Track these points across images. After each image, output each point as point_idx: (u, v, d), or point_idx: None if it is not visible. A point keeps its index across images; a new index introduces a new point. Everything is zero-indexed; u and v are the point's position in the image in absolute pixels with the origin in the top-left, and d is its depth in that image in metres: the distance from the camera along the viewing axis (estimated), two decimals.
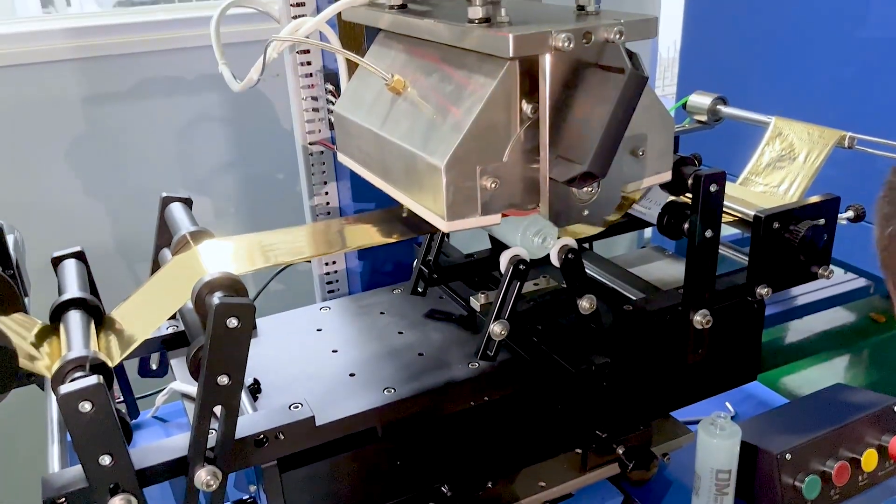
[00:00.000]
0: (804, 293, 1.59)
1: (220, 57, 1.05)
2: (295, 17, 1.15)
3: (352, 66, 0.96)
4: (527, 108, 0.71)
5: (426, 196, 0.74)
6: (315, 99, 1.20)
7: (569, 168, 0.68)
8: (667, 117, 0.78)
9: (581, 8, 0.74)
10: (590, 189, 0.74)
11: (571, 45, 0.66)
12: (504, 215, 0.74)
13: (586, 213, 0.75)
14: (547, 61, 0.67)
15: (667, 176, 0.81)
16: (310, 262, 1.34)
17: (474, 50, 0.72)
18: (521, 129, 0.71)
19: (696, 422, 0.96)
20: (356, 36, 1.03)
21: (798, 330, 1.79)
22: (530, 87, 0.70)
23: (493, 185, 0.71)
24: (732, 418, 1.12)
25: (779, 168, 1.03)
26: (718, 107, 1.15)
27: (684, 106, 1.19)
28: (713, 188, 0.84)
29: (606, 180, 0.73)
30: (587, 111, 0.68)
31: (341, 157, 0.95)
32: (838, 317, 1.82)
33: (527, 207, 0.75)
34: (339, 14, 0.94)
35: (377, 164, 0.85)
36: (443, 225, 0.72)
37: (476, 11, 0.72)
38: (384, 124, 0.82)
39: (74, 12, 3.05)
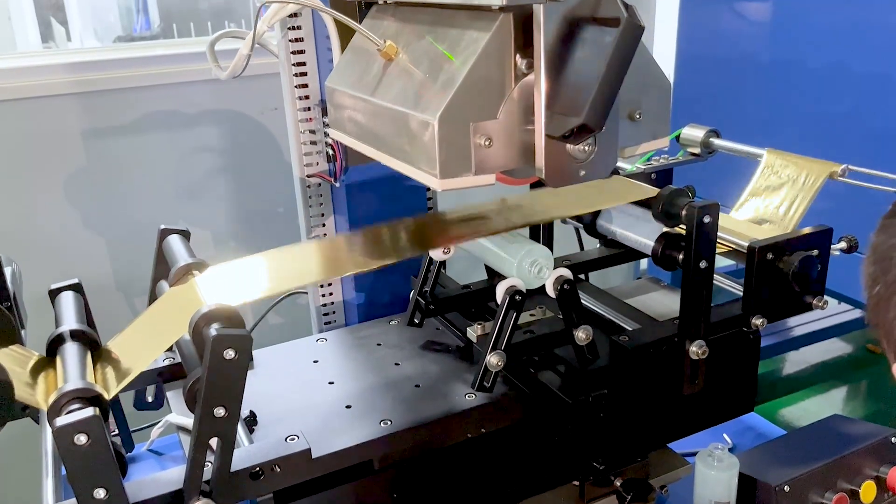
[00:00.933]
0: (800, 324, 1.59)
1: (213, 61, 1.03)
2: (294, 53, 1.16)
3: (344, 42, 0.95)
4: (521, 63, 0.70)
5: (419, 156, 0.73)
6: (313, 132, 1.21)
7: (564, 122, 0.67)
8: (663, 80, 0.77)
9: None
10: (586, 147, 0.72)
11: None
12: (499, 177, 0.73)
13: (583, 173, 0.73)
14: (541, 11, 0.66)
15: (664, 142, 0.79)
16: (306, 293, 1.34)
17: (466, 4, 0.71)
18: (516, 85, 0.70)
19: (694, 453, 0.96)
20: (348, 14, 1.03)
21: (795, 361, 1.79)
22: (524, 42, 0.69)
23: (486, 143, 0.70)
24: (730, 450, 1.11)
25: (771, 199, 1.04)
26: (711, 139, 1.17)
27: (678, 138, 1.21)
28: (707, 219, 0.85)
29: (603, 142, 0.72)
30: (583, 64, 0.66)
31: (333, 133, 0.93)
32: (835, 348, 1.82)
33: (522, 173, 0.73)
34: None
35: (369, 132, 0.83)
36: (436, 183, 0.70)
37: None
38: (376, 90, 0.80)
39: (75, 47, 3.08)
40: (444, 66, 0.72)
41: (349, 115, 0.87)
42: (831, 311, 1.66)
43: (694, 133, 1.18)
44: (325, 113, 1.19)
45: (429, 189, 1.30)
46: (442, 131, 0.68)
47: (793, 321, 1.59)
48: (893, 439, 1.02)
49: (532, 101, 0.70)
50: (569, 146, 0.71)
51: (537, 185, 1.11)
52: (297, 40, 1.16)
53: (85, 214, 1.69)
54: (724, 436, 1.23)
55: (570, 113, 0.66)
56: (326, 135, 1.19)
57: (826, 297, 0.96)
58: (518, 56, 0.70)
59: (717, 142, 1.16)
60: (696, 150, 1.18)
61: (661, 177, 1.11)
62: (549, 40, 0.67)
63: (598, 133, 0.69)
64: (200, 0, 3.09)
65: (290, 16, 1.14)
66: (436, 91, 0.71)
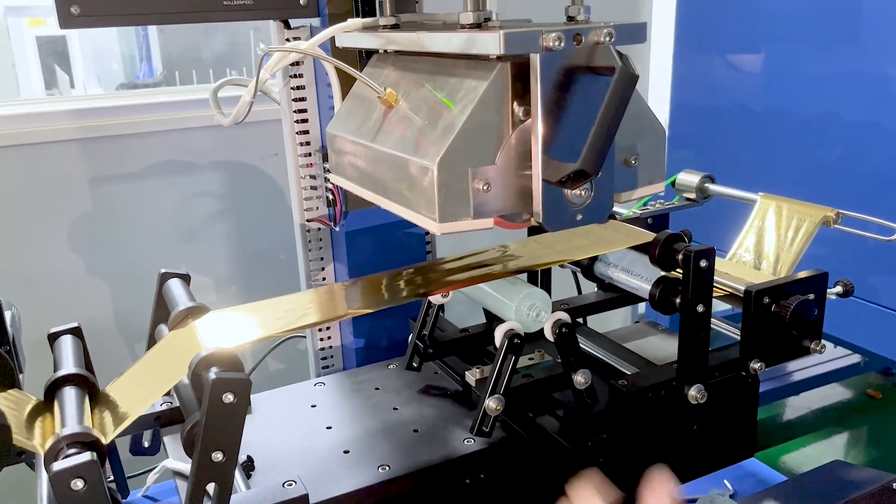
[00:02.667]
0: (799, 369, 1.59)
1: (216, 107, 1.05)
2: (295, 100, 1.19)
3: (345, 90, 0.97)
4: (518, 110, 0.71)
5: (419, 200, 0.74)
6: (313, 177, 1.22)
7: (561, 167, 0.68)
8: (658, 127, 0.78)
9: (571, 18, 0.76)
10: (582, 192, 0.73)
11: (562, 45, 0.67)
12: (497, 221, 0.74)
13: (579, 217, 0.74)
14: (538, 61, 0.68)
15: (659, 187, 0.81)
16: (305, 336, 1.34)
17: (465, 53, 0.73)
18: (514, 132, 0.71)
19: (695, 500, 0.95)
20: (349, 64, 1.05)
21: (795, 407, 1.78)
22: (522, 90, 0.71)
23: (485, 188, 0.71)
24: (731, 496, 1.11)
25: (766, 244, 1.05)
26: (706, 185, 1.18)
27: (673, 184, 1.22)
28: (703, 263, 0.85)
29: (599, 187, 0.73)
30: (579, 111, 0.68)
31: (333, 178, 0.95)
32: (835, 393, 1.82)
33: (520, 218, 0.74)
34: (332, 43, 0.95)
35: (369, 178, 0.85)
36: (435, 227, 0.71)
37: (467, 17, 0.73)
38: (376, 137, 0.82)
39: (78, 94, 3.13)
40: (443, 113, 0.74)
41: (350, 160, 0.89)
42: (830, 356, 1.66)
43: (689, 178, 1.20)
44: (325, 158, 1.20)
45: (427, 233, 1.31)
46: (441, 176, 0.70)
47: (792, 366, 1.59)
48: (895, 485, 1.01)
49: (529, 146, 0.72)
50: (566, 191, 0.72)
51: (535, 228, 1.12)
52: (298, 88, 1.18)
53: (86, 258, 1.70)
54: (725, 482, 1.22)
55: (566, 158, 0.68)
56: (327, 180, 1.21)
57: (823, 342, 0.96)
58: (515, 103, 0.71)
59: (712, 187, 1.18)
60: (692, 196, 1.20)
61: (658, 221, 1.12)
62: (546, 88, 0.69)
63: (594, 178, 0.71)
64: (202, 48, 3.15)
65: (292, 64, 1.17)
66: (435, 137, 0.72)
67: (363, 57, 0.99)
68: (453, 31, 0.74)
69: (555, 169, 0.69)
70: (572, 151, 0.67)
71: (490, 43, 0.68)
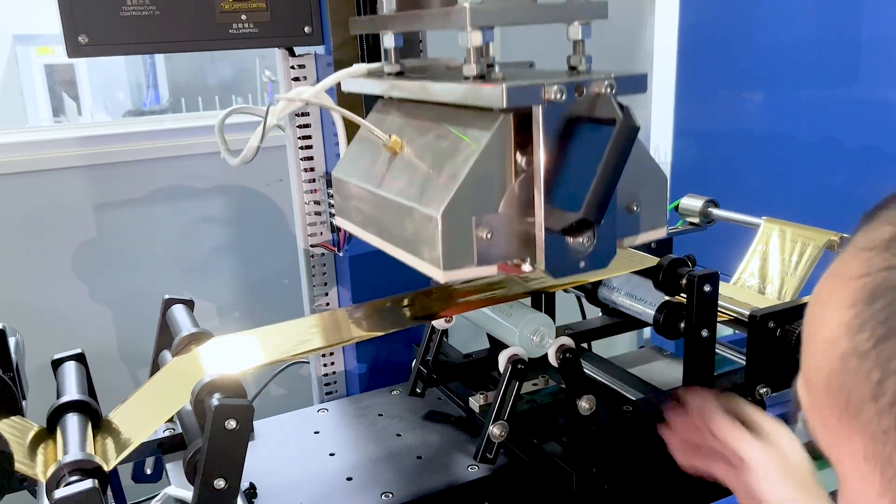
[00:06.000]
0: None
1: (222, 144, 1.07)
2: (300, 127, 1.19)
3: (350, 134, 0.98)
4: (521, 160, 0.72)
5: (422, 247, 0.74)
6: (317, 203, 1.23)
7: (564, 216, 0.69)
8: (659, 174, 0.79)
9: (572, 68, 0.77)
10: (585, 240, 0.73)
11: (564, 97, 0.68)
12: (500, 267, 0.74)
13: (582, 264, 0.74)
14: (540, 113, 0.68)
15: (662, 232, 0.81)
16: (308, 362, 1.34)
17: (469, 105, 0.73)
18: (516, 180, 0.72)
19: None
20: (355, 109, 1.06)
21: (803, 433, 1.76)
22: (524, 140, 0.71)
23: (488, 236, 0.71)
24: None
25: (770, 268, 1.05)
26: (710, 209, 1.18)
27: (677, 209, 1.22)
28: (707, 288, 0.85)
29: (602, 234, 0.73)
30: (581, 161, 0.69)
31: (338, 221, 0.95)
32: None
33: (523, 263, 0.75)
34: (338, 87, 0.96)
35: (374, 222, 0.86)
36: (439, 275, 0.72)
37: (471, 69, 0.74)
38: (381, 183, 0.83)
39: (85, 121, 3.16)
40: (447, 162, 0.75)
41: (355, 204, 0.90)
42: None
43: (692, 203, 1.20)
44: (329, 185, 1.21)
45: None
46: (445, 226, 0.71)
47: None
48: None
49: (532, 194, 0.72)
50: (569, 239, 0.73)
51: None
52: (303, 114, 1.19)
53: (90, 284, 1.70)
54: None
55: (569, 207, 0.69)
56: (331, 205, 1.21)
57: None
58: (518, 153, 0.72)
59: (715, 211, 1.18)
60: (696, 220, 1.20)
61: (661, 246, 1.12)
62: (548, 139, 0.70)
63: (596, 227, 0.72)
64: (209, 75, 3.18)
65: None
66: (439, 186, 0.73)
67: (369, 99, 1.00)
68: (457, 82, 0.75)
69: (557, 218, 0.70)
70: (575, 200, 0.68)
71: (493, 96, 0.69)
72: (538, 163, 0.70)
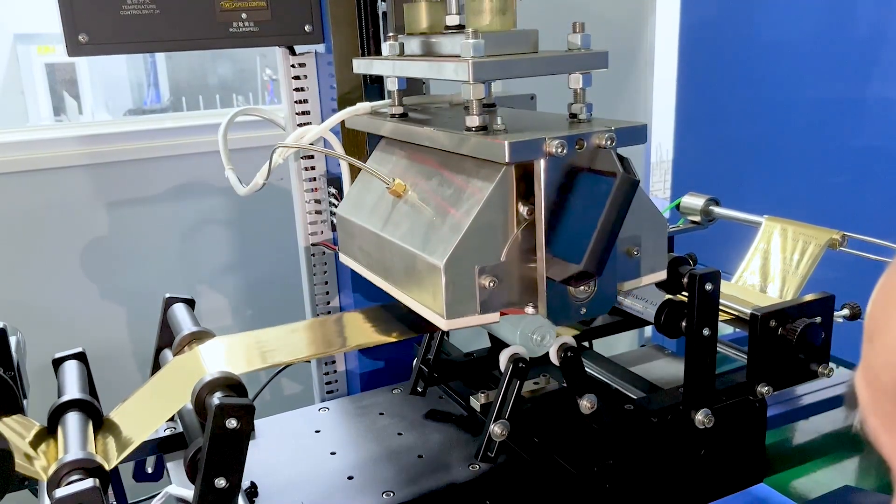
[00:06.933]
0: (808, 393, 1.57)
1: (227, 162, 1.08)
2: (300, 125, 1.19)
3: (354, 171, 1.00)
4: (523, 210, 0.73)
5: (426, 295, 0.76)
6: (318, 202, 1.23)
7: (565, 267, 0.70)
8: (659, 218, 0.81)
9: (573, 116, 0.78)
10: (586, 288, 0.75)
11: (565, 151, 0.69)
12: (503, 313, 0.75)
13: (583, 311, 0.76)
14: (542, 166, 0.70)
15: (662, 275, 0.83)
16: (309, 362, 1.34)
17: (472, 156, 0.75)
18: (518, 230, 0.74)
19: None
20: (359, 142, 1.07)
21: (804, 431, 1.76)
22: (526, 191, 0.73)
23: (491, 284, 0.73)
24: None
25: (772, 267, 1.04)
26: (711, 207, 1.18)
27: (678, 207, 1.22)
28: (708, 287, 0.85)
29: (603, 279, 0.75)
30: (582, 213, 0.70)
31: (343, 259, 0.97)
32: (844, 417, 1.79)
33: (524, 307, 0.76)
34: (342, 122, 0.98)
35: (378, 264, 0.87)
36: (442, 323, 0.73)
37: (473, 120, 0.75)
38: (385, 226, 0.84)
39: (86, 120, 3.16)
40: (450, 210, 0.76)
41: (359, 244, 0.91)
42: (839, 379, 1.64)
43: (694, 201, 1.20)
44: (329, 183, 1.21)
45: None
46: (448, 276, 0.72)
47: (801, 389, 1.57)
48: None
49: (534, 243, 0.74)
50: (570, 288, 0.74)
51: None
52: (303, 113, 1.19)
53: (91, 283, 1.70)
54: None
55: (570, 257, 0.70)
56: (331, 204, 1.21)
57: (832, 365, 0.96)
58: (520, 203, 0.74)
59: (716, 210, 1.18)
60: (697, 218, 1.20)
61: None
62: (549, 191, 0.71)
63: (597, 277, 0.72)
64: (209, 74, 3.18)
65: (296, 90, 1.18)
66: (443, 235, 0.75)
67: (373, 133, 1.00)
68: (460, 133, 0.76)
69: (559, 268, 0.71)
70: (576, 251, 0.69)
71: (496, 150, 0.70)
72: (539, 214, 0.72)
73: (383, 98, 1.04)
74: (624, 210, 0.68)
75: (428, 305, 0.76)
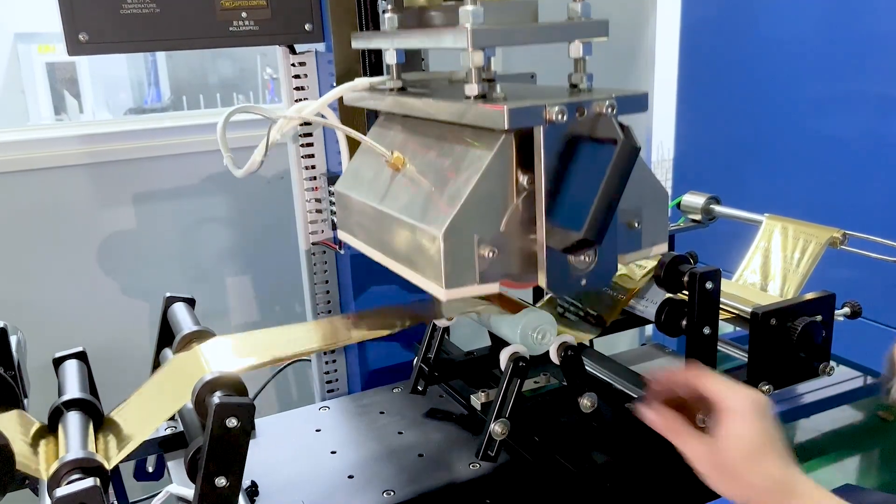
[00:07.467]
0: (809, 391, 1.57)
1: (225, 150, 1.07)
2: (301, 124, 1.19)
3: (352, 148, 0.98)
4: (523, 179, 0.72)
5: (425, 266, 0.74)
6: (318, 201, 1.23)
7: (565, 236, 0.69)
8: (660, 190, 0.79)
9: (574, 86, 0.77)
10: (586, 258, 0.73)
11: (565, 118, 0.68)
12: (502, 285, 0.74)
13: (584, 282, 0.74)
14: (541, 133, 0.69)
15: (663, 247, 0.81)
16: (310, 360, 1.34)
17: (471, 125, 0.74)
18: (518, 199, 0.72)
19: None
20: (357, 122, 1.06)
21: (805, 429, 1.76)
22: (526, 159, 0.71)
23: (490, 255, 0.72)
24: None
25: (773, 266, 1.04)
26: (712, 206, 1.18)
27: (678, 205, 1.22)
28: (709, 285, 0.85)
29: (603, 251, 0.74)
30: (582, 181, 0.69)
31: (341, 235, 0.96)
32: (845, 416, 1.79)
33: (525, 279, 0.75)
34: (340, 99, 0.96)
35: (376, 238, 0.86)
36: (441, 293, 0.72)
37: (472, 89, 0.74)
38: (383, 199, 0.83)
39: (87, 119, 3.15)
40: (449, 180, 0.75)
41: (357, 219, 0.90)
42: (840, 378, 1.64)
43: (694, 200, 1.20)
44: (330, 182, 1.21)
45: None
46: (447, 245, 0.71)
47: (800, 388, 1.57)
48: None
49: (534, 213, 0.73)
50: (570, 257, 0.73)
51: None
52: None
53: (92, 283, 1.71)
54: None
55: (570, 226, 0.69)
56: (332, 203, 1.21)
57: (832, 363, 0.96)
58: (519, 172, 0.73)
59: (717, 208, 1.18)
60: (697, 217, 1.20)
61: None
62: (549, 159, 0.70)
63: (598, 245, 0.72)
64: (210, 73, 3.18)
65: (296, 88, 1.18)
66: (441, 205, 0.74)
67: (372, 111, 0.99)
68: (459, 102, 0.75)
69: (559, 237, 0.70)
70: (576, 219, 0.68)
71: (496, 118, 0.69)
72: (539, 182, 0.70)
73: None
74: (625, 177, 0.67)
75: (427, 276, 0.74)
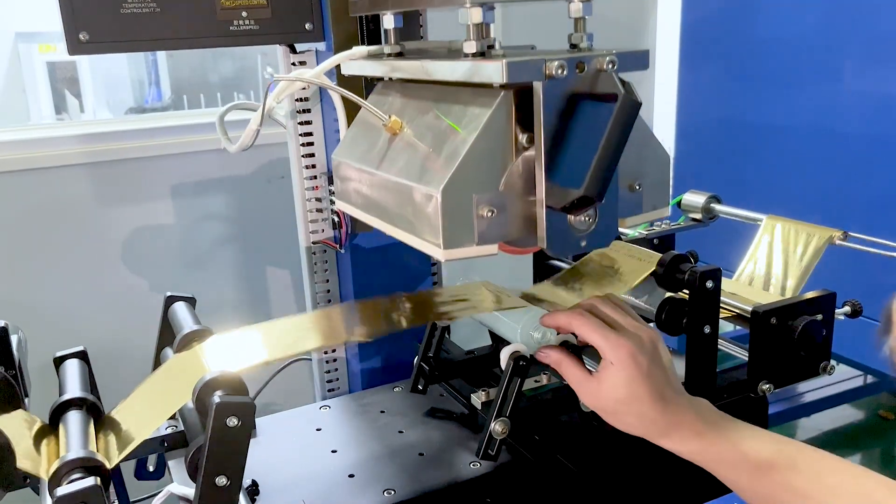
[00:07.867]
0: (809, 391, 1.57)
1: (223, 134, 1.07)
2: (301, 124, 1.19)
3: (350, 117, 0.98)
4: (522, 137, 0.71)
5: (423, 227, 0.74)
6: (319, 200, 1.23)
7: (565, 193, 0.68)
8: (661, 152, 0.79)
9: (574, 46, 0.76)
10: (586, 217, 0.73)
11: (565, 73, 0.67)
12: (501, 247, 0.74)
13: (584, 244, 0.74)
14: (541, 89, 0.68)
15: (665, 211, 0.80)
16: (310, 359, 1.34)
17: (469, 82, 0.73)
18: (518, 158, 0.72)
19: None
20: (355, 92, 1.06)
21: (805, 428, 1.76)
22: (525, 118, 0.71)
23: (489, 214, 0.71)
24: None
25: (773, 265, 1.04)
26: (712, 205, 1.18)
27: (679, 204, 1.22)
28: (709, 284, 0.85)
29: (603, 212, 0.73)
30: (582, 138, 0.68)
31: (339, 204, 0.95)
32: (846, 415, 1.79)
33: (524, 243, 0.74)
34: (338, 71, 0.96)
35: (374, 204, 0.85)
36: (440, 253, 0.71)
37: (471, 46, 0.73)
38: (381, 164, 0.82)
39: (87, 119, 3.16)
40: (447, 141, 0.74)
41: (355, 186, 0.89)
42: (840, 377, 1.64)
43: (695, 199, 1.20)
44: (331, 181, 1.21)
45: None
46: (445, 203, 0.70)
47: (801, 387, 1.57)
48: None
49: (533, 172, 0.72)
50: (570, 217, 0.72)
51: (540, 254, 1.12)
52: (304, 111, 1.19)
53: (93, 282, 1.71)
54: None
55: (570, 185, 0.68)
56: (332, 202, 1.21)
57: (833, 362, 0.96)
58: (519, 130, 0.72)
59: (718, 207, 1.18)
60: (698, 216, 1.20)
61: (664, 242, 1.12)
62: (549, 116, 0.69)
63: (598, 204, 0.71)
64: (210, 72, 3.18)
65: (300, 94, 1.18)
66: (439, 165, 0.73)
67: (368, 83, 0.99)
68: (457, 60, 0.74)
69: (558, 195, 0.69)
70: (576, 177, 0.67)
71: (493, 72, 0.68)
72: (539, 139, 0.69)
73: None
74: (626, 133, 0.66)
75: (425, 238, 0.74)
